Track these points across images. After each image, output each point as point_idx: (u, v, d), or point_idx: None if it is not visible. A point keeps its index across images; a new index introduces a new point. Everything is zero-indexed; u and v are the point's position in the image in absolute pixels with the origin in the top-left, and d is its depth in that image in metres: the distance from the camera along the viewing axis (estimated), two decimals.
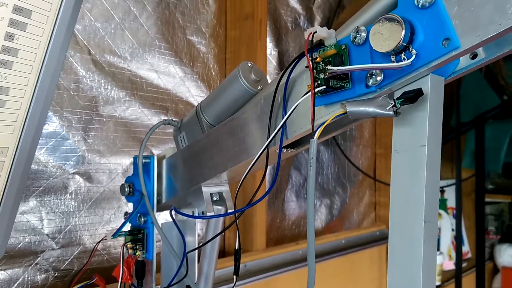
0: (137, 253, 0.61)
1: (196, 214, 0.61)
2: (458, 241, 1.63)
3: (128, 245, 0.61)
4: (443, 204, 1.95)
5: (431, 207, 0.35)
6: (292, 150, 0.49)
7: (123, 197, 0.83)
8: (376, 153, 1.57)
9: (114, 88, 0.82)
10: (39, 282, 0.73)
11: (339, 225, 1.41)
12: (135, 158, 0.64)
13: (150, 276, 0.61)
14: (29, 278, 0.71)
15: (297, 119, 0.44)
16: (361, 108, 0.33)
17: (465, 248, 2.05)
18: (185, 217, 0.66)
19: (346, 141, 1.47)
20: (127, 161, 0.84)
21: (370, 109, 0.33)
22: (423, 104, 0.35)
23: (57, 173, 0.74)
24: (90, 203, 0.79)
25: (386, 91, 0.36)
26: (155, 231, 0.60)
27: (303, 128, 0.42)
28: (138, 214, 0.61)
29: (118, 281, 0.61)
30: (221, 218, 0.56)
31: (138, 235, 0.61)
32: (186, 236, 0.62)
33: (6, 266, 0.69)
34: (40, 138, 0.72)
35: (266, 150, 0.43)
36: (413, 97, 0.32)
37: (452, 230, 1.93)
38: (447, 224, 1.83)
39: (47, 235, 0.73)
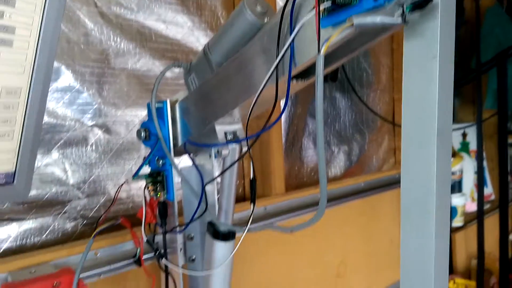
0: (158, 195, 0.63)
1: (212, 154, 0.62)
2: (480, 182, 1.62)
3: (149, 187, 0.63)
4: (465, 147, 1.92)
5: (444, 119, 0.34)
6: (302, 81, 0.49)
7: (142, 148, 0.85)
8: (395, 98, 1.54)
9: (123, 40, 0.82)
10: (69, 229, 0.76)
11: (358, 171, 1.41)
12: (148, 104, 0.64)
13: (173, 216, 0.63)
14: (59, 226, 0.75)
15: (305, 47, 0.43)
16: (368, 18, 0.32)
17: (488, 190, 2.04)
18: (202, 161, 0.68)
19: (363, 87, 1.44)
20: (143, 113, 0.85)
21: (378, 18, 0.32)
22: (433, 13, 0.34)
23: (76, 126, 0.76)
24: (111, 154, 0.81)
25: (395, 3, 0.35)
26: (174, 172, 0.62)
27: (311, 54, 0.41)
28: (156, 157, 0.63)
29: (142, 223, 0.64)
30: (236, 156, 0.57)
31: (158, 177, 0.63)
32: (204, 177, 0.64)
33: (36, 215, 0.72)
34: (56, 92, 0.73)
35: (275, 76, 0.43)
36: (422, 2, 0.31)
37: (475, 172, 1.91)
38: (469, 166, 1.81)
39: (72, 185, 0.76)
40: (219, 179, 0.72)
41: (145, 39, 0.85)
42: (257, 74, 0.47)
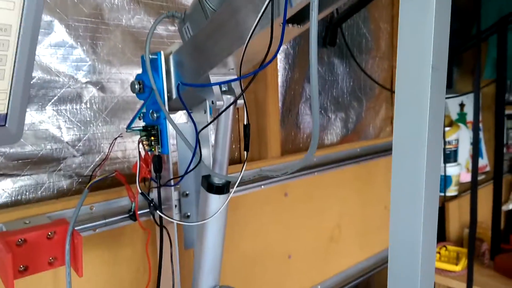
0: (153, 149, 0.63)
1: (207, 107, 0.62)
2: (475, 152, 1.62)
3: (144, 142, 0.63)
4: (462, 117, 1.92)
5: (440, 53, 0.34)
6: (298, 26, 0.48)
7: (137, 107, 0.84)
8: (394, 65, 1.53)
9: None
10: (64, 187, 0.77)
11: (354, 139, 1.41)
12: (142, 56, 0.63)
13: (167, 169, 0.63)
14: (54, 183, 0.75)
15: None
16: None
17: (484, 161, 2.05)
18: (196, 118, 0.67)
19: (362, 53, 1.43)
20: (138, 71, 0.84)
21: None
22: None
23: (70, 83, 0.75)
24: (106, 113, 0.80)
25: None
26: (169, 126, 0.62)
27: None
28: (151, 111, 0.62)
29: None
30: (231, 108, 0.57)
31: (152, 131, 0.62)
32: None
33: (31, 171, 0.72)
34: (49, 47, 0.72)
35: (271, 18, 0.42)
36: None
37: (471, 143, 1.92)
38: (465, 136, 1.81)
39: (67, 143, 0.76)
40: (213, 136, 0.72)
41: None
42: (251, 19, 0.46)
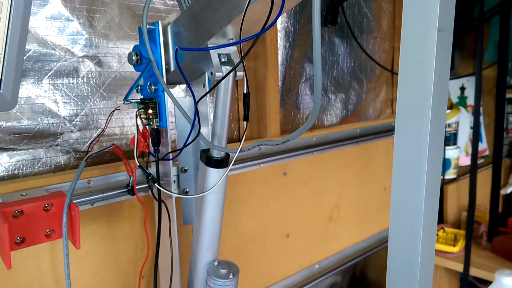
0: (151, 123, 0.62)
1: (206, 80, 0.61)
2: (475, 136, 1.62)
3: (141, 115, 0.62)
4: (463, 101, 1.91)
5: (446, 14, 0.33)
6: None
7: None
8: (395, 46, 1.51)
9: None
10: (62, 162, 0.76)
11: (354, 121, 1.40)
12: (140, 27, 0.62)
13: (166, 144, 0.62)
14: (51, 158, 0.74)
15: None
16: None
17: (483, 145, 2.05)
18: (195, 93, 0.66)
19: (363, 33, 1.41)
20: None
21: None
22: None
23: (67, 56, 0.74)
24: (103, 88, 0.79)
25: None
26: (167, 99, 0.61)
27: None
28: (149, 83, 0.61)
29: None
30: (230, 79, 0.56)
31: (150, 104, 0.61)
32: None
33: (28, 146, 0.71)
34: (44, 20, 0.71)
35: None
36: None
37: (471, 128, 1.91)
38: (465, 120, 1.80)
39: (64, 117, 0.75)
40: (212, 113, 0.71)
41: None
42: None
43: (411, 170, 0.35)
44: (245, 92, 0.47)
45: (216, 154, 0.60)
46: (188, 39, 0.57)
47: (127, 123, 0.83)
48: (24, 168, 0.72)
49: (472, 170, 1.38)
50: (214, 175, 0.60)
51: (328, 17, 1.23)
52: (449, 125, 1.64)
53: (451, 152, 1.67)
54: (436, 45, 0.32)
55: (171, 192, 0.61)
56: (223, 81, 0.56)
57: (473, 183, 1.34)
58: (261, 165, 0.91)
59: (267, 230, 0.97)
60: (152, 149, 0.63)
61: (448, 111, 1.64)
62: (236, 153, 0.52)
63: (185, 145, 0.58)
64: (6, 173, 0.70)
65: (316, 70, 0.33)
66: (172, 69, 0.61)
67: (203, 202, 0.61)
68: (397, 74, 1.49)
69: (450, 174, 1.69)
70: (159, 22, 0.59)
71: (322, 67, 1.27)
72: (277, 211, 0.99)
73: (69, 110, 0.75)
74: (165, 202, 0.64)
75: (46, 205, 0.55)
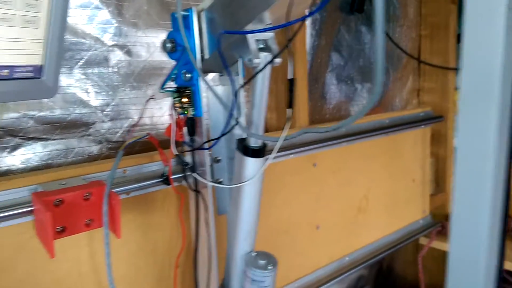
0: (186, 112, 0.61)
1: (239, 68, 0.60)
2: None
3: (176, 105, 0.61)
4: None
5: None
6: None
7: (162, 72, 0.82)
8: (421, 34, 1.47)
9: None
10: (95, 152, 0.76)
11: (381, 111, 1.37)
12: (173, 14, 0.61)
13: (201, 133, 0.61)
14: (84, 148, 0.74)
15: None
16: None
17: None
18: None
19: (389, 22, 1.37)
20: (163, 35, 0.81)
21: None
22: None
23: (97, 45, 0.73)
24: (133, 77, 0.78)
25: None
26: (201, 87, 0.60)
27: None
28: (183, 71, 0.60)
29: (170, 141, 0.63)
30: (268, 68, 0.54)
31: (185, 92, 0.60)
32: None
33: (61, 135, 0.71)
34: (74, 8, 0.70)
35: None
36: None
37: None
38: None
39: (95, 107, 0.74)
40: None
41: None
42: None
43: (475, 162, 0.33)
44: (289, 78, 0.45)
45: (253, 143, 0.58)
46: (224, 25, 0.56)
47: (156, 112, 0.82)
48: (57, 157, 0.72)
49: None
50: (252, 164, 0.59)
51: (355, 4, 1.20)
52: None
53: None
54: (505, 25, 0.30)
55: (210, 181, 0.60)
56: (259, 67, 0.54)
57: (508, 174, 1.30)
58: (291, 155, 0.90)
59: (297, 221, 0.96)
60: (187, 138, 0.62)
61: None
62: (279, 141, 0.50)
63: (222, 134, 0.57)
64: (40, 163, 0.70)
65: (378, 48, 0.31)
66: (206, 56, 0.60)
67: (241, 192, 0.60)
68: (424, 62, 1.45)
69: None
70: (193, 8, 0.58)
71: (349, 56, 1.24)
72: (307, 203, 0.97)
73: (100, 99, 0.75)
74: (201, 192, 0.63)
75: (86, 194, 0.54)
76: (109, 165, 0.65)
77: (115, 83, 0.76)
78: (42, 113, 0.69)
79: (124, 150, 0.58)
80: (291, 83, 0.46)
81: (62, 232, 0.53)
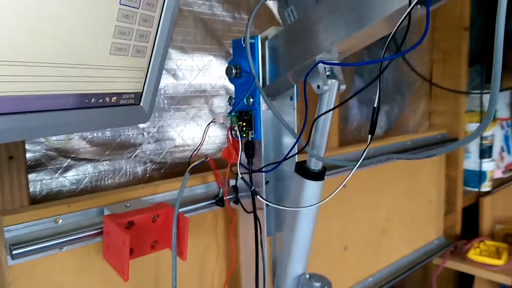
0: (244, 135, 0.62)
1: (294, 93, 0.62)
2: None
3: (234, 127, 0.63)
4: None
5: None
6: (422, 7, 0.47)
7: (204, 95, 0.84)
8: (434, 59, 1.52)
9: None
10: (139, 173, 0.76)
11: (396, 133, 1.41)
12: (234, 41, 0.63)
13: (259, 156, 0.63)
14: (130, 169, 0.75)
15: None
16: None
17: (511, 158, 2.05)
18: (281, 105, 0.67)
19: (404, 46, 1.42)
20: (208, 58, 0.83)
21: None
22: None
23: None
24: (177, 100, 0.80)
25: None
26: (262, 112, 0.61)
27: None
28: (248, 96, 0.62)
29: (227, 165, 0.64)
30: (334, 92, 0.56)
31: (245, 116, 0.62)
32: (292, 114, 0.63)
33: (110, 157, 0.72)
34: None
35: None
36: None
37: (501, 140, 1.92)
38: (498, 133, 1.80)
39: (142, 128, 0.75)
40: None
41: None
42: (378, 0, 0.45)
43: None
44: (374, 106, 0.47)
45: (313, 166, 0.60)
46: (291, 54, 0.58)
47: (197, 134, 0.83)
48: (106, 178, 0.72)
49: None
50: (311, 187, 0.60)
51: None
52: (485, 138, 1.65)
53: (487, 165, 1.67)
54: None
55: (272, 203, 0.61)
56: (326, 93, 0.56)
57: None
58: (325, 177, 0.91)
59: (327, 242, 0.97)
60: (244, 161, 0.63)
61: None
62: (355, 166, 0.52)
63: (285, 158, 0.58)
64: (89, 184, 0.70)
65: (496, 64, 0.33)
66: (268, 83, 0.62)
67: (298, 214, 0.61)
68: (436, 85, 1.49)
69: (486, 186, 1.68)
70: (259, 36, 0.60)
71: (369, 78, 1.27)
72: (337, 224, 0.99)
73: (148, 121, 0.76)
74: (256, 213, 0.64)
75: (154, 216, 0.55)
76: (164, 187, 0.66)
77: (161, 105, 0.77)
78: (94, 135, 0.69)
79: (189, 172, 0.59)
80: (375, 110, 0.48)
81: (130, 254, 0.53)
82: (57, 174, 0.67)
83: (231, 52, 0.87)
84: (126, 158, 0.74)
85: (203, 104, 0.84)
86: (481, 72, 1.71)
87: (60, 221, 0.53)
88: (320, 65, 0.54)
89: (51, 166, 0.66)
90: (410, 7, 0.40)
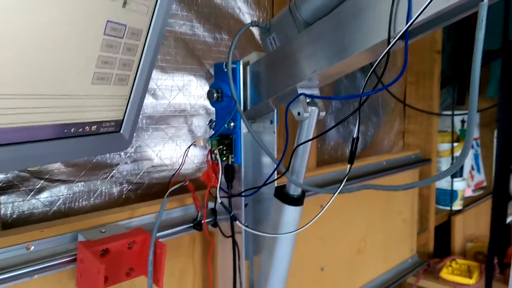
0: (224, 158, 0.62)
1: (274, 117, 0.62)
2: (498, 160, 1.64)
3: (214, 151, 0.62)
4: (463, 133, 1.98)
5: None
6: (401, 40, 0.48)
7: (183, 114, 0.83)
8: (407, 81, 1.56)
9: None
10: (115, 194, 0.74)
11: (372, 153, 1.43)
12: (215, 65, 0.63)
13: (239, 179, 0.62)
14: (106, 190, 0.73)
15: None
16: None
17: (481, 176, 2.12)
18: (260, 128, 0.67)
19: (380, 68, 1.45)
20: (188, 78, 0.83)
21: None
22: None
23: None
24: (156, 119, 0.79)
25: None
26: (242, 136, 0.61)
27: (434, 8, 0.41)
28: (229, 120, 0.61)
29: (206, 187, 0.63)
30: (314, 119, 0.57)
31: (226, 140, 0.62)
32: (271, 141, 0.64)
33: (85, 177, 0.70)
34: None
35: (388, 34, 0.43)
36: None
37: (471, 159, 1.98)
38: (469, 152, 1.86)
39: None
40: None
41: (191, 1, 0.83)
42: (362, 31, 0.47)
43: None
44: (354, 137, 0.48)
45: (293, 191, 0.60)
46: (272, 80, 0.58)
47: (175, 154, 0.83)
48: (80, 200, 0.70)
49: (494, 200, 1.42)
50: (290, 212, 0.60)
51: None
52: (457, 158, 1.70)
53: (458, 184, 1.71)
54: None
55: (250, 229, 0.60)
56: (306, 120, 0.57)
57: (495, 213, 1.38)
58: None
59: (304, 263, 0.97)
60: (223, 183, 0.63)
61: (455, 144, 1.70)
62: (335, 194, 0.52)
63: (265, 183, 0.58)
64: (63, 206, 0.68)
65: (470, 124, 0.35)
66: (249, 107, 0.62)
67: (277, 239, 0.61)
68: (410, 106, 1.53)
69: (457, 205, 1.73)
70: (240, 61, 0.60)
71: (346, 99, 1.30)
72: (313, 244, 0.99)
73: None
74: (234, 238, 0.63)
75: (130, 243, 0.53)
76: (141, 210, 0.64)
77: (139, 125, 0.76)
78: None
79: (167, 197, 0.58)
80: (355, 141, 0.49)
81: (104, 282, 0.51)
82: (29, 196, 0.65)
83: (212, 72, 0.88)
84: (102, 179, 0.72)
85: (182, 124, 0.84)
86: (452, 93, 1.77)
87: (32, 247, 0.51)
88: (299, 91, 0.55)
89: (24, 188, 0.63)
90: (389, 46, 0.41)
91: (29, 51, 0.30)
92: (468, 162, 1.94)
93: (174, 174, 0.72)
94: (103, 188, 0.73)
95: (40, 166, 0.58)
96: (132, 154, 0.76)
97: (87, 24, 0.32)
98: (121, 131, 0.41)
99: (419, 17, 0.42)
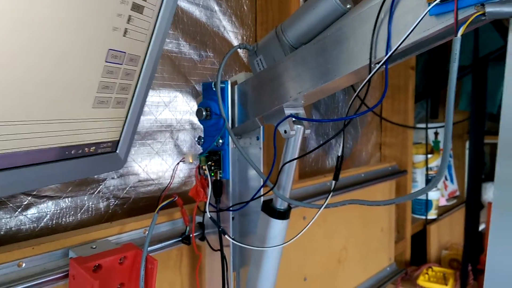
0: (212, 174, 0.64)
1: (260, 134, 0.65)
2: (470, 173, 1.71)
3: (203, 167, 0.64)
4: (436, 145, 2.05)
5: None
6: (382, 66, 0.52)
7: (169, 129, 0.85)
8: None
9: None
10: (102, 209, 0.75)
11: (350, 165, 1.48)
12: (204, 84, 0.65)
13: (227, 195, 0.64)
14: (92, 205, 0.74)
15: (403, 29, 0.45)
16: (503, 9, 0.35)
17: (454, 186, 2.19)
18: (247, 143, 0.69)
19: (357, 83, 1.50)
20: (174, 94, 0.85)
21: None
22: None
23: None
24: (142, 135, 0.80)
25: None
26: (230, 152, 0.63)
27: (411, 38, 0.44)
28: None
29: (194, 202, 0.65)
30: (300, 136, 0.60)
31: (214, 157, 0.64)
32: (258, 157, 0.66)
33: (72, 193, 0.70)
34: None
35: (369, 58, 0.46)
36: None
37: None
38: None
39: None
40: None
41: (177, 20, 0.85)
42: (344, 57, 0.50)
43: None
44: (339, 155, 0.51)
45: (279, 205, 0.62)
46: (259, 99, 0.61)
47: (162, 168, 0.84)
48: (67, 216, 0.70)
49: (467, 212, 1.47)
50: (277, 226, 0.62)
51: None
52: (431, 169, 1.76)
53: (432, 194, 1.78)
54: None
55: (239, 242, 0.62)
56: (292, 137, 0.60)
57: (469, 222, 1.44)
58: None
59: (287, 274, 0.99)
60: (213, 199, 0.64)
61: (429, 155, 1.77)
62: (321, 209, 0.55)
63: (253, 198, 0.60)
64: (50, 222, 0.68)
65: (446, 152, 0.38)
66: (236, 125, 0.64)
67: (264, 252, 0.63)
68: (386, 120, 1.59)
69: (432, 214, 1.79)
70: (229, 81, 0.63)
71: (325, 113, 1.34)
72: (296, 255, 1.01)
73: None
74: (223, 251, 0.65)
75: (121, 259, 0.55)
76: (130, 226, 0.65)
77: None
78: None
79: (158, 213, 0.59)
80: (339, 160, 0.51)
81: None
82: (16, 213, 0.65)
83: (197, 88, 0.90)
84: (89, 194, 0.73)
85: (168, 139, 0.85)
86: (426, 107, 1.84)
87: (24, 264, 0.51)
88: (287, 112, 0.58)
89: (11, 204, 0.63)
90: (371, 74, 0.45)
91: (34, 81, 0.31)
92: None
93: (164, 189, 0.73)
94: (90, 203, 0.73)
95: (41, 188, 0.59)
96: (119, 169, 0.77)
97: (90, 53, 0.33)
98: (117, 151, 0.43)
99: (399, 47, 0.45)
